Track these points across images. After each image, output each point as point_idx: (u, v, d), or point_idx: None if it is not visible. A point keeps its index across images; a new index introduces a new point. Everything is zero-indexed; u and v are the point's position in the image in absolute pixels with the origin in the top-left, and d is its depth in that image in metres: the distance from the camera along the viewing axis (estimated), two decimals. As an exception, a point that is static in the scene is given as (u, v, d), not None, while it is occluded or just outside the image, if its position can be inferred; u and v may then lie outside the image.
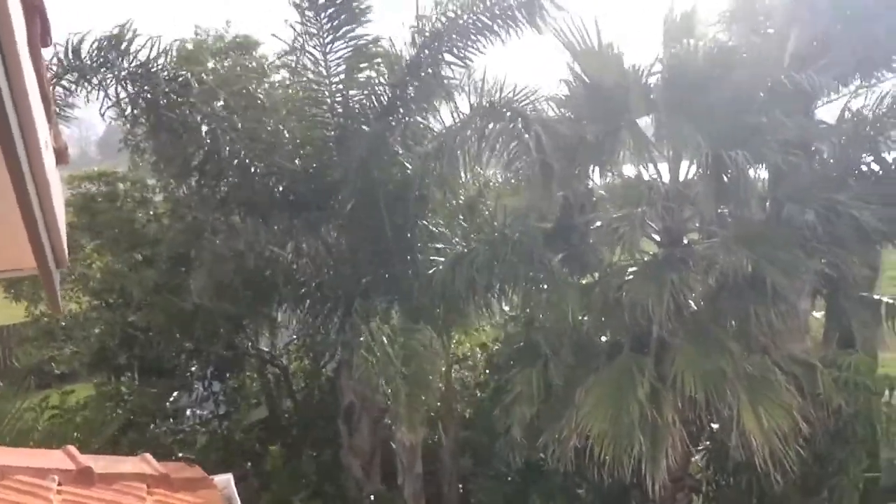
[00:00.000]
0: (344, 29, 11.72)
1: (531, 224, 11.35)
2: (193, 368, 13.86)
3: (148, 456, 5.69)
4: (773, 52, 12.00)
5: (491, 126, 11.05)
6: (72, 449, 5.19)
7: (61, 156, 3.98)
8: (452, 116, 11.95)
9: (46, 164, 3.20)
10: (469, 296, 11.65)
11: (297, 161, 12.12)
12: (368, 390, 12.81)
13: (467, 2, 11.48)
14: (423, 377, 9.90)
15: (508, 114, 10.92)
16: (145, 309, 12.48)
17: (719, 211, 11.47)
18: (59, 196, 3.84)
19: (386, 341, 9.74)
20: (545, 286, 11.32)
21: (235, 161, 11.95)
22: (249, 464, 13.08)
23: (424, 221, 12.25)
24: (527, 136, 10.54)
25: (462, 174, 11.93)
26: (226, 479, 5.84)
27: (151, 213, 13.49)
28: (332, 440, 13.56)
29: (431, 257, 11.88)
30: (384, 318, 10.26)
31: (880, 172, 13.89)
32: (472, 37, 11.56)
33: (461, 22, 11.53)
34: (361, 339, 10.00)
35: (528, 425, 10.95)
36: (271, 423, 14.65)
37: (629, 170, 11.72)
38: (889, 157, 13.84)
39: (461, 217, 12.55)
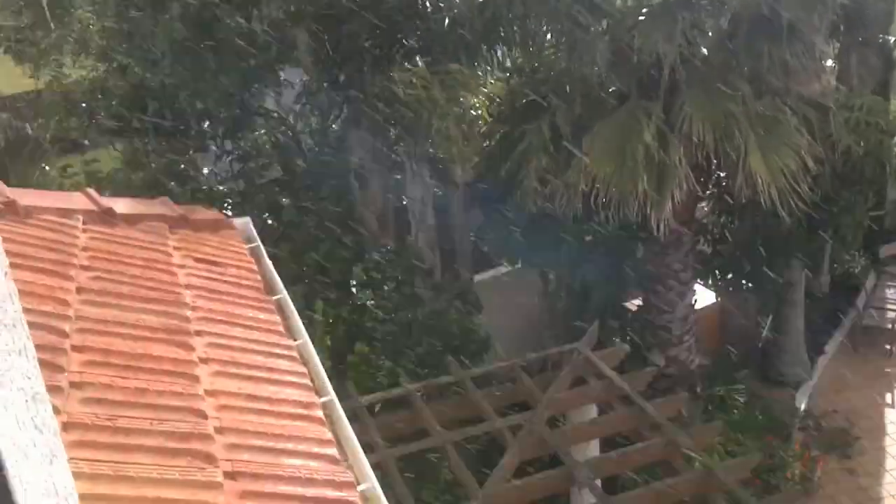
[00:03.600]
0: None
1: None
2: (206, 128, 13.82)
3: (167, 199, 5.78)
4: None
5: None
6: (91, 191, 5.27)
7: None
8: None
9: None
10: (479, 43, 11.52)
11: None
12: (379, 144, 12.96)
13: None
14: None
15: None
16: (167, 67, 12.04)
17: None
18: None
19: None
20: (555, 36, 11.07)
21: None
22: (267, 214, 13.27)
23: None
24: None
25: None
26: (244, 222, 5.93)
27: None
28: (344, 196, 13.72)
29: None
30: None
31: None
32: None
33: None
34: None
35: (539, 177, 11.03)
36: (284, 181, 14.76)
37: None
38: None
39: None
